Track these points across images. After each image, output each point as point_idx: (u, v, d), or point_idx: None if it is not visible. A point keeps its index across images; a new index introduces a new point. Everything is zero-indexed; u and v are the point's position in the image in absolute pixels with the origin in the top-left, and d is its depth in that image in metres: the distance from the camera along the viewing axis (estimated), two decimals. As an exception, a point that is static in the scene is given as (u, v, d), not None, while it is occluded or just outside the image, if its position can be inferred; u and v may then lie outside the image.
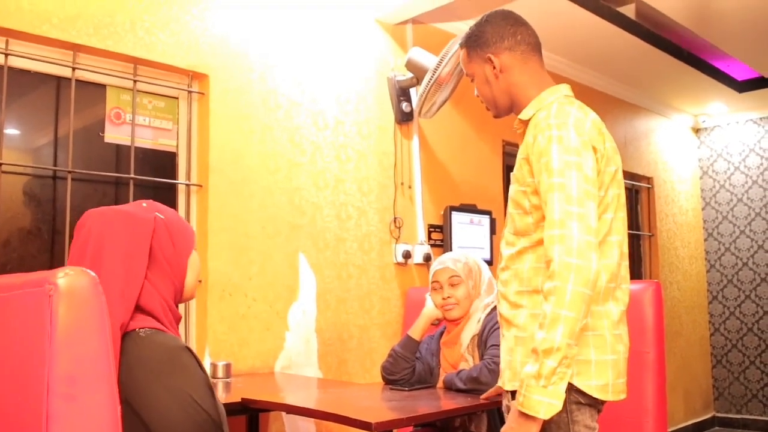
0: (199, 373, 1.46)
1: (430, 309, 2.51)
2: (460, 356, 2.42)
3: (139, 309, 1.47)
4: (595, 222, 1.47)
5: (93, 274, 1.30)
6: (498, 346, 2.27)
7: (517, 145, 4.41)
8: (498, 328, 2.32)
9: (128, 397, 1.39)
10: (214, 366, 2.75)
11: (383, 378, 2.55)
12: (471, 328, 2.42)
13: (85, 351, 1.25)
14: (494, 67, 1.72)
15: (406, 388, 2.39)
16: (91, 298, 1.27)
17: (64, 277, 1.25)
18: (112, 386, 1.27)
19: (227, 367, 2.76)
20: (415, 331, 2.52)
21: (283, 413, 2.98)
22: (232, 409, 2.12)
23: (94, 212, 1.54)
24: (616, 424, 2.57)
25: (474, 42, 1.74)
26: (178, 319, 1.57)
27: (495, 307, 2.42)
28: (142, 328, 1.45)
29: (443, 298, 2.45)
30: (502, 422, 2.32)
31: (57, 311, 1.23)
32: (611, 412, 2.54)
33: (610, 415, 2.56)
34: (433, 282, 2.50)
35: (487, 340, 2.34)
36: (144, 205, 1.58)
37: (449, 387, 2.32)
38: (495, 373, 2.17)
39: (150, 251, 1.51)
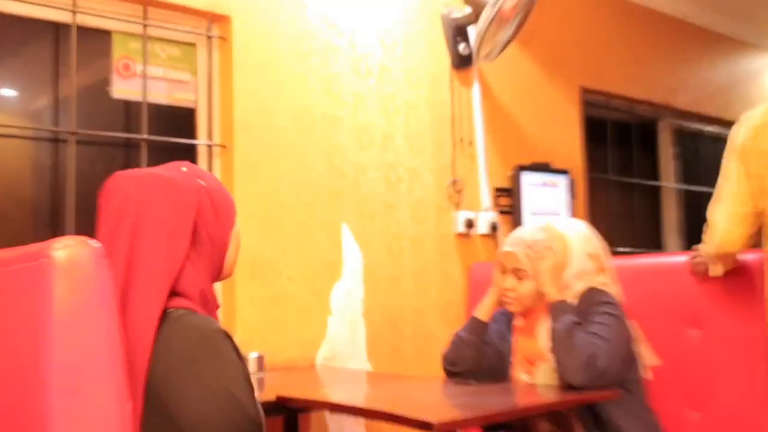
0: (238, 362, 1.44)
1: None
2: (538, 352, 2.34)
3: (174, 294, 1.46)
4: (718, 201, 2.36)
5: (96, 244, 1.30)
6: (595, 332, 2.17)
7: (598, 92, 4.36)
8: (599, 313, 2.22)
9: (155, 387, 1.38)
10: (244, 357, 2.74)
11: (445, 369, 2.50)
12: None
13: (89, 337, 1.25)
14: None
15: (474, 381, 2.34)
16: (94, 273, 1.26)
17: (63, 249, 1.24)
18: (119, 378, 1.27)
19: (259, 359, 2.75)
20: (482, 311, 2.46)
21: (327, 413, 2.98)
22: (266, 408, 2.09)
23: (129, 176, 1.53)
24: (731, 423, 2.49)
25: None
26: (217, 307, 1.57)
27: (588, 290, 2.32)
28: (175, 308, 1.45)
29: (505, 288, 2.37)
30: (598, 425, 2.25)
31: (54, 290, 1.22)
32: (723, 408, 2.46)
33: (723, 413, 2.47)
34: (498, 262, 2.42)
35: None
36: (184, 169, 1.57)
37: (554, 317, 2.23)
38: (587, 365, 2.08)
39: (193, 227, 1.51)
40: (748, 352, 2.47)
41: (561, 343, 2.17)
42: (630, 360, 2.29)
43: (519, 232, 2.44)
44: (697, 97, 5.16)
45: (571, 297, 2.34)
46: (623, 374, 2.23)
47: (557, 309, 2.25)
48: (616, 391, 2.14)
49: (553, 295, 2.27)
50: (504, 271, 2.40)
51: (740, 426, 2.47)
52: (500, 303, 2.43)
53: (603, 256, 2.42)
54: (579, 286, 2.35)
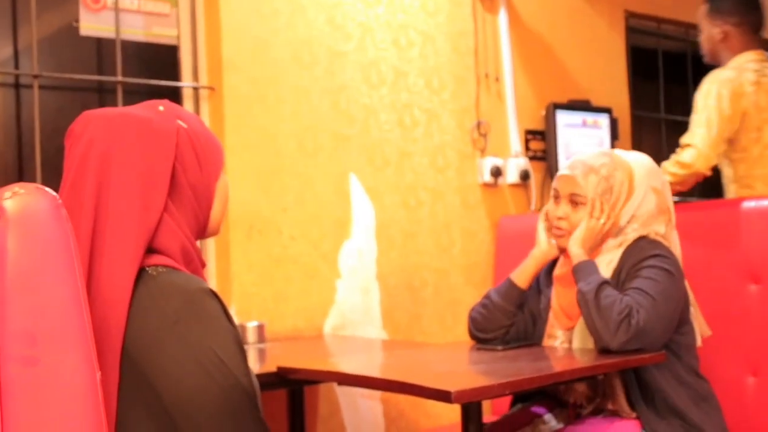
0: (227, 324, 1.45)
1: (543, 249, 2.42)
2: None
3: (152, 251, 1.47)
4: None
5: (54, 193, 1.30)
6: (638, 287, 2.15)
7: (647, 17, 4.28)
8: (647, 267, 2.19)
9: (133, 354, 1.39)
10: (242, 328, 2.77)
11: (471, 334, 2.50)
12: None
13: (48, 298, 1.25)
14: None
15: (500, 347, 2.33)
16: (51, 225, 1.26)
17: (12, 198, 1.24)
18: (86, 345, 1.27)
19: (259, 329, 2.78)
20: (522, 276, 2.44)
21: (336, 385, 2.99)
22: (266, 381, 2.12)
23: (96, 115, 1.52)
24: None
25: None
26: (203, 265, 1.57)
27: (637, 240, 2.29)
28: (153, 265, 1.45)
29: (557, 217, 2.34)
30: (643, 392, 2.23)
31: (6, 245, 1.22)
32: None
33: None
34: (553, 188, 2.40)
35: (624, 284, 2.23)
36: (161, 108, 1.57)
37: (579, 278, 2.21)
38: (621, 323, 2.06)
39: (171, 173, 1.51)
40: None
41: (589, 305, 2.14)
42: (681, 322, 2.26)
43: (580, 156, 2.42)
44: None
45: (617, 245, 2.32)
46: (672, 336, 2.21)
47: (582, 269, 2.24)
48: (661, 353, 2.12)
49: (579, 256, 2.26)
50: (557, 199, 2.38)
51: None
52: (551, 235, 2.40)
53: (666, 195, 2.39)
54: (631, 233, 2.32)
